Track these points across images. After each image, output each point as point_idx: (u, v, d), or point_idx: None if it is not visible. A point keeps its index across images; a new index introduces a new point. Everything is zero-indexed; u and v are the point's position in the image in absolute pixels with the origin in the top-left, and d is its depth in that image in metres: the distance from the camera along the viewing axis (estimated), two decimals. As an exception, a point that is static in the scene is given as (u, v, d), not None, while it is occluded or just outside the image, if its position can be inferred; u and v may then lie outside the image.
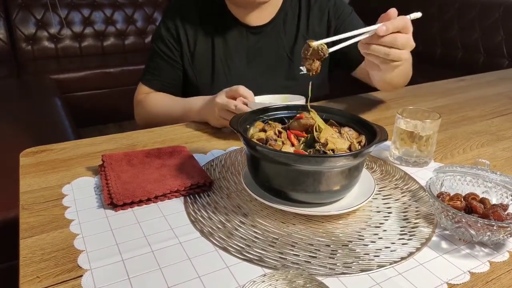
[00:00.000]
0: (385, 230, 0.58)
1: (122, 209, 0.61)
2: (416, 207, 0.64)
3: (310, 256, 0.52)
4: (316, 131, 0.64)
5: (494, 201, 0.60)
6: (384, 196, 0.67)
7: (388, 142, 0.76)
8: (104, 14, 3.14)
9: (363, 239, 0.56)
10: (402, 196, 0.67)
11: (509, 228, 0.51)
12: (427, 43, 2.83)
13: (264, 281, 0.45)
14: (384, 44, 0.70)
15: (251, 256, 0.52)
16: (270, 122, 0.69)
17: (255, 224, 0.58)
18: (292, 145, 0.63)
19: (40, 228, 0.56)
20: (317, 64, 0.70)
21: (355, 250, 0.54)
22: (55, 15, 2.95)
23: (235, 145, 0.84)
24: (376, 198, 0.66)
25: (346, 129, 0.67)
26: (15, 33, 2.86)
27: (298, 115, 0.68)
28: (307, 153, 0.61)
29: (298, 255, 0.52)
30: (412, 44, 0.73)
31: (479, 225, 0.52)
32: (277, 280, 0.45)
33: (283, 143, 0.62)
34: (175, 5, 1.05)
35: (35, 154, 0.78)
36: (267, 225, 0.58)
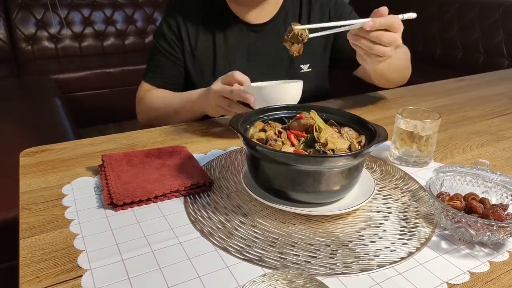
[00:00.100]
0: (385, 230, 0.58)
1: (122, 209, 0.61)
2: (416, 207, 0.64)
3: (310, 256, 0.52)
4: (316, 131, 0.64)
5: (494, 201, 0.60)
6: (384, 196, 0.67)
7: (388, 142, 0.77)
8: (104, 14, 3.14)
9: (363, 239, 0.56)
10: (402, 196, 0.67)
11: (509, 228, 0.51)
12: (427, 43, 2.83)
13: (264, 281, 0.45)
14: (369, 39, 0.74)
15: (251, 256, 0.52)
16: (270, 122, 0.69)
17: (255, 224, 0.58)
18: (292, 145, 0.63)
19: (40, 228, 0.56)
20: (296, 47, 0.76)
21: (355, 250, 0.54)
22: (55, 15, 2.96)
23: (235, 145, 0.84)
24: (376, 198, 0.66)
25: (346, 129, 0.67)
26: (15, 33, 2.87)
27: (298, 115, 0.68)
28: (307, 153, 0.61)
29: (298, 255, 0.52)
30: (398, 43, 0.76)
31: (479, 225, 0.52)
32: (277, 280, 0.45)
33: (283, 143, 0.62)
34: (175, 5, 1.06)
35: (35, 154, 0.78)
36: (267, 225, 0.58)
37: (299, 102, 0.86)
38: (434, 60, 2.79)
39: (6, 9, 2.84)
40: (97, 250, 0.52)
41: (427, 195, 0.65)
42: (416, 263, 0.52)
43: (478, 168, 0.65)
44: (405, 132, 0.76)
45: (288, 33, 0.78)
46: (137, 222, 0.58)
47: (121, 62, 2.96)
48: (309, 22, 1.07)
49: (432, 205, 0.60)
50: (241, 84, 0.84)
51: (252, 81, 0.86)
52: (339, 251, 0.54)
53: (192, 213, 0.61)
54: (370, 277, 0.49)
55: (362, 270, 0.50)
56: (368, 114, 1.04)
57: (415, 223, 0.60)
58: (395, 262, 0.52)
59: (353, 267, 0.51)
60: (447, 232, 0.58)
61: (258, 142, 0.59)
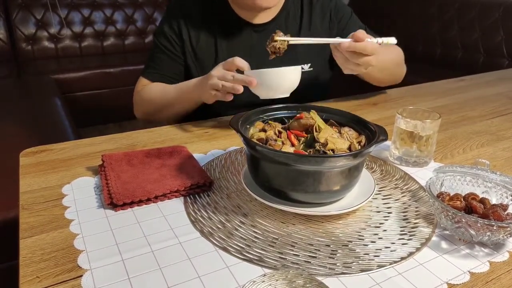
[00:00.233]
0: (385, 230, 0.58)
1: (122, 209, 0.61)
2: (416, 207, 0.64)
3: (310, 256, 0.52)
4: (316, 131, 0.64)
5: (494, 201, 0.60)
6: (384, 196, 0.67)
7: (388, 142, 0.76)
8: (104, 14, 3.14)
9: (363, 239, 0.56)
10: (402, 196, 0.67)
11: (509, 228, 0.51)
12: (427, 43, 2.83)
13: (264, 281, 0.45)
14: (344, 55, 0.82)
15: (251, 256, 0.52)
16: (270, 122, 0.69)
17: (255, 224, 0.58)
18: (292, 145, 0.63)
19: (40, 228, 0.57)
20: (273, 55, 0.84)
21: (355, 250, 0.54)
22: (55, 15, 2.95)
23: (235, 145, 0.84)
24: (376, 198, 0.66)
25: (346, 129, 0.67)
26: (15, 33, 2.86)
27: (298, 115, 0.68)
28: (307, 153, 0.61)
29: (298, 255, 0.52)
30: (370, 65, 0.83)
31: (479, 225, 0.52)
32: (277, 280, 0.45)
33: (283, 143, 0.62)
34: (175, 4, 1.06)
35: (35, 154, 0.78)
36: (267, 225, 0.58)
37: (299, 101, 0.86)
38: (434, 60, 2.79)
39: (6, 9, 2.84)
40: (97, 250, 0.52)
41: (427, 195, 0.65)
42: (416, 263, 0.52)
43: (478, 168, 0.65)
44: (405, 132, 0.76)
45: (270, 41, 0.83)
46: (137, 222, 0.58)
47: (121, 62, 2.96)
48: (310, 23, 1.08)
49: (432, 205, 0.60)
50: (241, 69, 0.85)
51: None
52: (339, 251, 0.53)
53: (192, 213, 0.61)
54: (370, 277, 0.49)
55: (362, 270, 0.50)
56: (368, 114, 1.04)
57: (415, 223, 0.60)
58: (395, 262, 0.52)
59: (353, 267, 0.51)
60: (447, 232, 0.58)
61: (258, 142, 0.59)
